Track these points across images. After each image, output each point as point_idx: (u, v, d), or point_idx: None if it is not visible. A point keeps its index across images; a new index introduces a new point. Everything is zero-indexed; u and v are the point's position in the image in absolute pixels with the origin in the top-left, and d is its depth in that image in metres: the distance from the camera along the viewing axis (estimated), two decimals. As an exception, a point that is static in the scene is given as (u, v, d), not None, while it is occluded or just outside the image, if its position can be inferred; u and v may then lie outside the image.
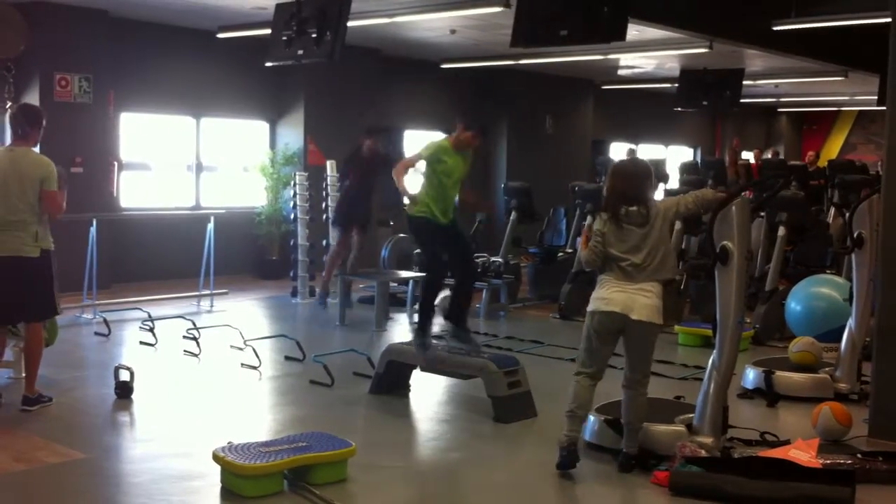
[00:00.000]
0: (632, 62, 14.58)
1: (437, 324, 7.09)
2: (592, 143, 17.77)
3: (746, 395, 6.71)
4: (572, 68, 15.00)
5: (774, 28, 10.54)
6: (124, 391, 6.33)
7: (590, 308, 5.05)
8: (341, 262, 9.91)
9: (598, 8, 7.61)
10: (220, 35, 11.49)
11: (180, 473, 4.93)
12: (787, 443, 5.25)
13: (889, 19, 5.60)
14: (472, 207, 8.98)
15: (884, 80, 5.90)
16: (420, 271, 9.96)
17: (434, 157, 6.51)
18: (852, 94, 18.92)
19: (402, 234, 11.43)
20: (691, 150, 21.37)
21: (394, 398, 6.52)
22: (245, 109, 12.79)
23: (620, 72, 15.98)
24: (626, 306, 4.88)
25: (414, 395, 6.64)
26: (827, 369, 6.75)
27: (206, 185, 12.41)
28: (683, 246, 9.84)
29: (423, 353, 6.37)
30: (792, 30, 10.62)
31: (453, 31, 11.64)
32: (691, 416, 5.21)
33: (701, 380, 5.25)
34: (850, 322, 6.68)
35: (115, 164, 11.03)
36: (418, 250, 10.53)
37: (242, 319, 9.13)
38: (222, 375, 7.21)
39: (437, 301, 6.72)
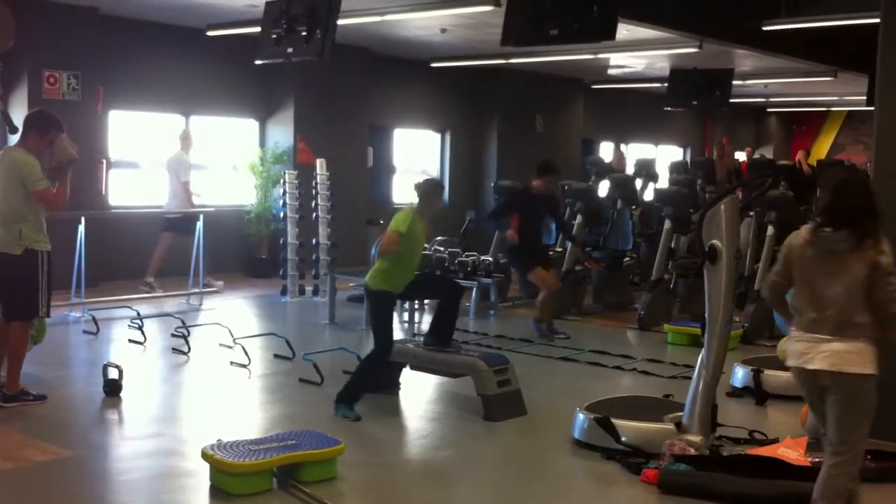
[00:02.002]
0: (622, 61, 14.60)
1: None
2: (582, 142, 17.79)
3: (735, 393, 6.73)
4: (562, 67, 15.02)
5: (764, 28, 10.58)
6: (113, 389, 6.30)
7: None
8: (550, 300, 8.85)
9: (588, 7, 7.61)
10: (210, 33, 11.45)
11: (169, 471, 4.92)
12: (775, 441, 5.27)
13: (878, 20, 5.62)
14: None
15: (872, 80, 5.94)
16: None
17: (407, 231, 6.04)
18: (841, 94, 19.00)
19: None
20: (681, 150, 21.41)
21: (384, 396, 6.50)
22: (234, 107, 12.76)
23: (610, 71, 16.00)
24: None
25: (404, 394, 6.64)
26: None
27: (195, 183, 12.33)
28: (672, 245, 9.86)
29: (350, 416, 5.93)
30: (781, 30, 10.66)
31: (444, 30, 11.63)
32: (680, 414, 5.22)
33: (690, 378, 5.26)
34: (839, 321, 6.69)
35: (104, 162, 10.99)
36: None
37: (232, 318, 9.11)
38: (211, 374, 7.19)
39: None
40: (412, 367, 6.53)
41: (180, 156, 10.89)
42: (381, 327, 6.19)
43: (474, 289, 9.98)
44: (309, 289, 10.81)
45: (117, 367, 6.35)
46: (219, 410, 6.24)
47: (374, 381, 6.26)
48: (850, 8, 9.65)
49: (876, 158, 5.68)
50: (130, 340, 8.11)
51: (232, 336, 7.76)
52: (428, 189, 6.34)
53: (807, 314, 3.94)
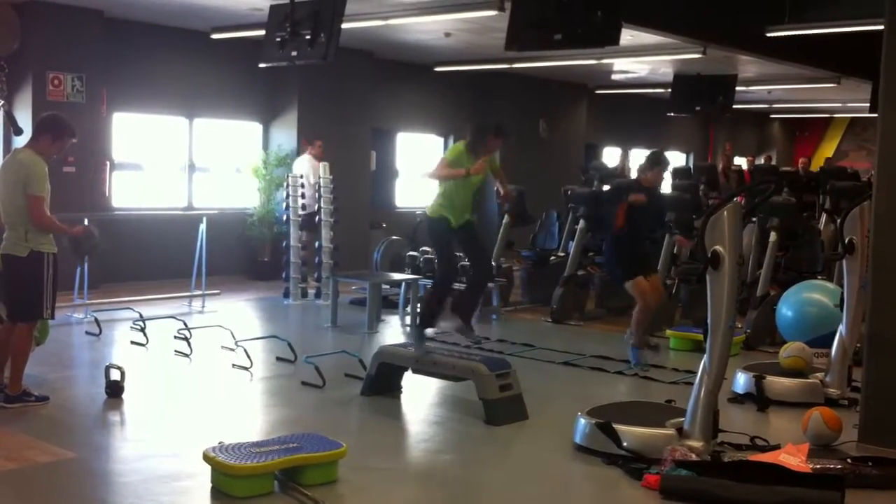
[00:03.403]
0: (625, 67, 14.62)
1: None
2: (586, 146, 17.80)
3: (737, 399, 6.72)
4: (566, 72, 15.04)
5: (768, 34, 10.58)
6: (115, 391, 6.31)
7: None
8: (648, 318, 7.89)
9: (592, 13, 7.62)
10: (214, 36, 11.49)
11: (170, 473, 4.92)
12: (777, 447, 5.26)
13: (882, 26, 5.62)
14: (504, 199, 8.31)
15: (876, 86, 5.93)
16: (432, 271, 9.97)
17: (452, 160, 6.70)
18: (844, 100, 19.00)
19: (395, 237, 11.45)
20: (684, 156, 21.42)
21: (385, 400, 6.52)
22: (238, 110, 12.78)
23: (614, 76, 16.01)
24: None
25: (405, 397, 6.64)
26: (817, 374, 6.78)
27: (198, 185, 12.39)
28: (675, 251, 9.87)
29: (422, 346, 6.50)
30: (785, 36, 10.65)
31: (448, 34, 11.65)
32: (682, 420, 5.22)
33: (692, 384, 5.26)
34: (841, 328, 6.70)
35: (108, 163, 11.02)
36: (411, 252, 10.56)
37: (234, 320, 9.11)
38: (213, 376, 7.20)
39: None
40: (414, 371, 6.53)
41: (311, 161, 11.50)
42: (439, 253, 6.77)
43: (476, 293, 10.00)
44: (311, 292, 10.82)
45: (119, 368, 6.35)
46: (220, 413, 6.25)
47: (440, 307, 6.73)
48: (855, 14, 9.65)
49: (879, 165, 5.67)
50: (133, 342, 8.12)
51: (234, 338, 7.77)
52: (480, 127, 6.73)
53: None
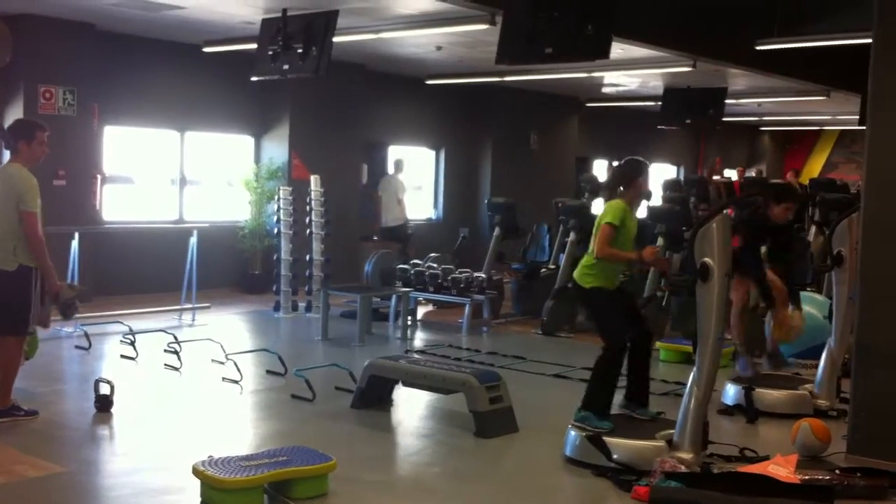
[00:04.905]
0: (616, 80, 14.69)
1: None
2: (576, 160, 17.86)
3: (726, 411, 6.73)
4: (557, 85, 15.11)
5: (757, 48, 10.65)
6: (104, 405, 6.29)
7: None
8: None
9: (583, 26, 7.66)
10: (206, 49, 11.51)
11: (160, 487, 4.91)
12: (766, 458, 5.27)
13: (870, 40, 5.66)
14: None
15: (864, 99, 5.97)
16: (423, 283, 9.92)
17: (620, 224, 5.58)
18: (834, 113, 19.11)
19: (385, 250, 11.46)
20: (674, 168, 21.49)
21: (375, 413, 6.51)
22: (230, 123, 12.79)
23: (605, 89, 16.09)
24: None
25: (396, 410, 6.64)
26: (807, 386, 6.80)
27: (189, 198, 12.39)
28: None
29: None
30: (775, 49, 10.73)
31: (439, 48, 11.70)
32: (672, 431, 5.23)
33: (682, 396, 5.27)
34: (830, 339, 6.73)
35: (99, 177, 11.02)
36: (402, 265, 10.53)
37: (224, 333, 9.10)
38: (203, 389, 7.18)
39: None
40: (404, 384, 6.53)
41: (395, 178, 12.76)
42: (606, 323, 5.69)
43: (467, 305, 10.01)
44: (302, 305, 10.81)
45: (109, 382, 6.34)
46: (210, 426, 6.23)
47: (612, 384, 5.61)
48: (843, 28, 9.72)
49: (867, 177, 5.71)
50: (122, 356, 8.10)
51: (224, 352, 7.76)
52: (634, 168, 5.67)
53: None
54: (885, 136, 5.61)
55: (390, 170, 13.84)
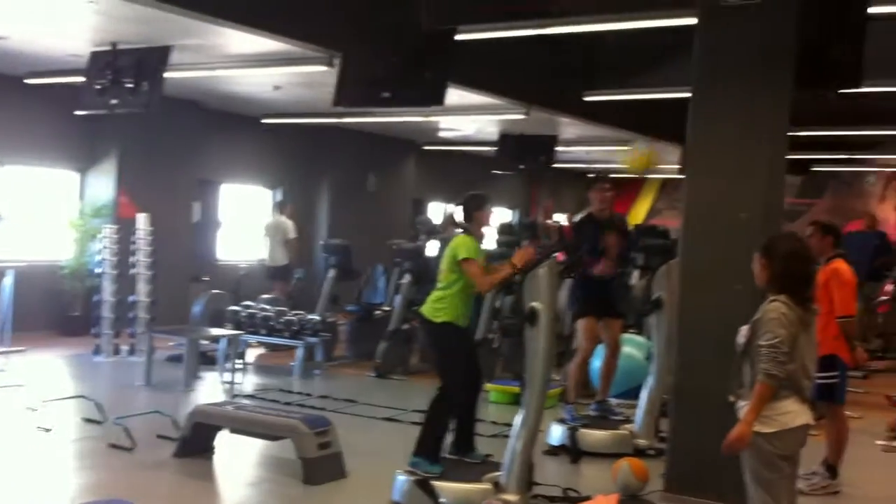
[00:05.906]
0: (453, 124, 14.95)
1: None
2: (413, 201, 18.02)
3: (552, 451, 6.87)
4: (395, 128, 15.24)
5: (585, 98, 11.09)
6: None
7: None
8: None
9: (420, 73, 7.78)
10: (28, 81, 10.98)
11: (-43, 548, 4.55)
12: (587, 499, 5.38)
13: (689, 94, 5.98)
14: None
15: (685, 150, 6.28)
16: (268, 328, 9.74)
17: (478, 257, 5.61)
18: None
19: (215, 291, 11.14)
20: (510, 212, 22.00)
21: (200, 461, 6.28)
22: (53, 158, 12.20)
23: (442, 133, 16.35)
24: None
25: (222, 458, 6.42)
26: (627, 426, 7.03)
27: (4, 236, 11.68)
28: (497, 305, 10.06)
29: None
30: (601, 101, 11.20)
31: (277, 87, 11.58)
32: (499, 473, 5.28)
33: (509, 437, 5.34)
34: (650, 380, 7.00)
35: None
36: (233, 307, 10.28)
37: (40, 379, 8.60)
38: (15, 439, 6.74)
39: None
40: (231, 431, 6.34)
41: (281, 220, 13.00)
42: (450, 362, 5.61)
43: (300, 348, 9.86)
44: (125, 348, 10.34)
45: None
46: (22, 478, 5.83)
47: (445, 425, 5.57)
48: (665, 82, 10.23)
49: (684, 225, 5.98)
50: (-77, 404, 7.53)
51: (38, 399, 7.32)
52: (475, 202, 5.78)
53: (803, 382, 3.94)
54: (700, 185, 5.91)
55: (273, 211, 14.09)
